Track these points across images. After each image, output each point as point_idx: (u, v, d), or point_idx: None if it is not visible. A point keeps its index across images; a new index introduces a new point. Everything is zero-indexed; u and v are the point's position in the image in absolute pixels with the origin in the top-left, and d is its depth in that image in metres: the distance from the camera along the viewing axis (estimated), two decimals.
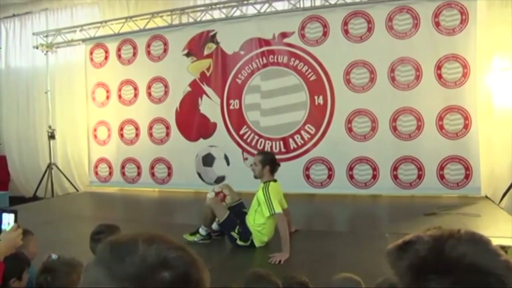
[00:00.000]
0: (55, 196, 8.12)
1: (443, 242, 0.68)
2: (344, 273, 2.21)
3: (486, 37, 6.06)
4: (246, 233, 4.12)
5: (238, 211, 4.35)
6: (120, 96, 7.84)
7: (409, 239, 0.72)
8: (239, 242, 4.13)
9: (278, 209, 3.93)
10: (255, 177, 4.22)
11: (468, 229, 0.72)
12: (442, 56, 6.10)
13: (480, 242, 0.69)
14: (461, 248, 0.67)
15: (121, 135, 7.87)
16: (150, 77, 7.59)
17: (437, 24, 6.13)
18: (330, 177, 6.70)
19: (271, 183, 4.10)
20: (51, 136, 8.27)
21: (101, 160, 8.05)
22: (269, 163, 4.14)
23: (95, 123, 8.05)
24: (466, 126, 6.05)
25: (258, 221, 4.11)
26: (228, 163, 7.15)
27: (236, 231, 4.12)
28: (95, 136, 8.07)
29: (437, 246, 0.68)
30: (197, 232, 4.34)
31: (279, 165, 4.27)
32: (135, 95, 7.74)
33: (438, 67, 6.12)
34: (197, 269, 0.71)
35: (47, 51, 8.44)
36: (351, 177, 6.58)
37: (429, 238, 0.70)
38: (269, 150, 6.89)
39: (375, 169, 6.47)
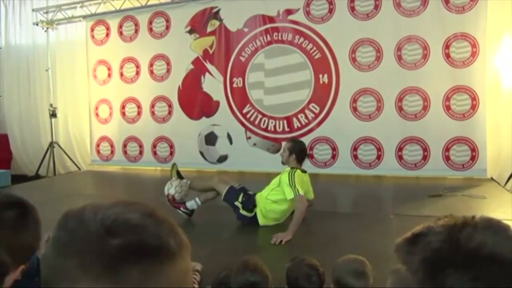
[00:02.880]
0: (57, 175, 8.12)
1: (458, 232, 0.64)
2: (349, 255, 2.18)
3: (496, 16, 5.92)
4: (249, 203, 4.14)
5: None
6: (121, 74, 7.77)
7: (419, 231, 0.68)
8: (242, 212, 4.13)
9: (301, 192, 3.91)
10: (282, 162, 4.23)
11: (483, 215, 0.67)
12: (451, 35, 5.98)
13: (498, 229, 0.64)
14: (478, 237, 0.62)
15: (123, 114, 7.84)
16: (152, 55, 7.52)
17: (446, 2, 5.98)
18: (334, 157, 6.69)
19: (298, 170, 4.09)
20: (53, 115, 8.22)
21: (103, 138, 8.03)
22: (296, 152, 4.16)
23: (96, 101, 8.00)
24: (474, 107, 5.97)
25: (271, 197, 4.09)
26: (231, 142, 7.15)
27: (240, 199, 4.14)
28: (97, 115, 8.04)
29: (452, 236, 0.64)
30: (185, 207, 4.37)
31: (307, 156, 4.31)
32: (137, 73, 7.67)
33: (446, 46, 6.01)
34: (158, 233, 0.61)
35: (47, 28, 8.31)
36: (355, 157, 6.56)
37: (441, 228, 0.66)
38: (272, 129, 6.87)
39: (379, 149, 6.44)
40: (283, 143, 4.47)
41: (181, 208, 4.38)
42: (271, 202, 4.10)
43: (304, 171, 4.19)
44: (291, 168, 4.10)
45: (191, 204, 4.38)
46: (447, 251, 0.63)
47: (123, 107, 7.83)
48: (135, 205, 0.64)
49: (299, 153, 4.17)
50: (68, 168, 8.44)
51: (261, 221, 4.13)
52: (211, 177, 4.44)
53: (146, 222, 0.61)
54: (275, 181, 4.15)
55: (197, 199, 4.39)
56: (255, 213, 4.14)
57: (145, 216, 0.62)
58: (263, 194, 4.16)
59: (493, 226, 0.65)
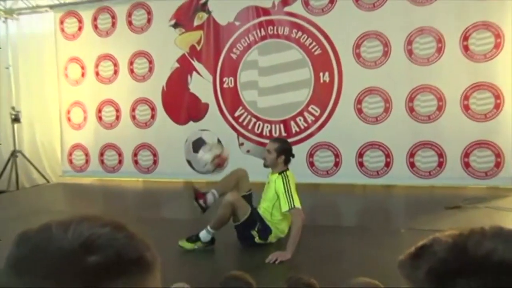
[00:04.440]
0: (21, 189, 7.96)
1: (465, 240, 0.66)
2: (362, 278, 2.16)
3: None
4: (266, 230, 4.06)
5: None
6: (97, 73, 7.74)
7: (423, 243, 0.70)
8: (257, 241, 4.05)
9: (297, 204, 3.88)
10: (266, 166, 4.18)
11: (493, 224, 0.68)
12: (470, 25, 5.98)
13: (509, 237, 0.66)
14: (487, 244, 0.64)
15: (99, 118, 7.80)
16: (132, 52, 7.50)
17: None
18: (337, 164, 6.67)
19: (288, 172, 4.08)
20: (15, 119, 8.04)
21: (76, 146, 7.97)
22: (285, 153, 4.12)
23: (68, 104, 7.95)
24: (498, 106, 5.96)
25: (276, 217, 4.06)
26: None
27: (256, 229, 4.04)
28: (69, 119, 7.98)
29: (458, 245, 0.66)
30: (197, 238, 4.07)
31: (293, 156, 4.24)
32: (115, 72, 7.64)
33: (465, 37, 6.01)
34: (134, 246, 0.65)
35: (6, 18, 8.17)
36: (361, 164, 6.55)
37: (447, 237, 0.68)
38: (267, 134, 6.87)
39: (388, 155, 6.43)
40: (268, 143, 4.37)
41: (200, 201, 4.26)
42: (278, 222, 4.08)
43: (288, 169, 4.17)
44: (280, 173, 4.05)
45: (210, 199, 4.27)
46: (454, 260, 0.65)
47: (99, 110, 7.79)
48: (103, 219, 0.67)
49: (288, 153, 4.15)
50: (34, 181, 8.27)
51: (273, 241, 4.13)
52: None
53: (119, 235, 0.65)
54: (270, 194, 4.09)
55: (214, 191, 4.30)
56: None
57: (116, 230, 0.66)
58: (266, 216, 4.09)
59: (504, 234, 0.67)
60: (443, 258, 0.66)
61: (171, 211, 6.04)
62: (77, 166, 8.00)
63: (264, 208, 4.15)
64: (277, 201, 4.01)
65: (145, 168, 7.60)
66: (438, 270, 0.66)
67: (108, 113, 7.75)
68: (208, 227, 4.02)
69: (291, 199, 3.88)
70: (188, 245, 4.05)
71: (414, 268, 0.68)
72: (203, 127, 7.15)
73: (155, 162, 7.54)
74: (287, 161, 4.13)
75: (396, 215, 5.45)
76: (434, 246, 0.68)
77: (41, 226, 0.66)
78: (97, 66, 7.74)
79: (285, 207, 3.88)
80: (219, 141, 7.05)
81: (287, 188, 3.92)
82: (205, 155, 4.28)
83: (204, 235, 4.03)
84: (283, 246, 3.84)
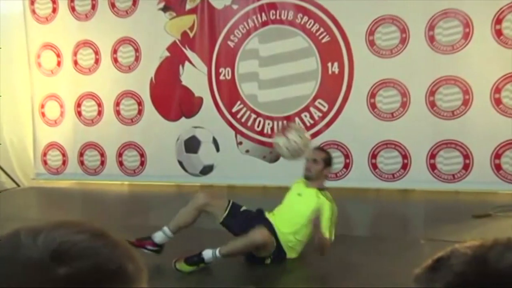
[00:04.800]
0: None
1: (485, 252, 0.67)
2: None
3: None
4: (279, 255, 3.99)
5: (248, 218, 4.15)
6: (76, 62, 7.69)
7: (440, 256, 0.71)
8: (268, 263, 4.01)
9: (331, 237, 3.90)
10: (307, 177, 4.13)
11: None
12: (504, 6, 5.95)
13: None
14: (509, 256, 0.65)
15: (79, 113, 7.76)
16: (116, 38, 7.46)
17: None
18: (347, 166, 6.68)
19: (327, 193, 4.11)
20: None
21: (52, 145, 7.92)
22: (330, 165, 4.22)
23: (42, 97, 7.89)
24: None
25: (300, 237, 4.01)
26: (217, 149, 7.11)
27: (271, 256, 3.97)
28: (43, 115, 7.92)
29: (478, 257, 0.66)
30: (199, 260, 3.88)
31: None
32: (96, 61, 7.60)
33: (497, 20, 5.98)
34: (115, 256, 0.65)
35: None
36: (374, 166, 6.55)
37: (466, 249, 0.69)
38: (269, 131, 6.86)
39: (405, 156, 6.43)
40: (312, 151, 4.29)
41: (148, 247, 4.09)
42: (299, 242, 4.05)
43: (326, 188, 4.22)
44: (320, 190, 4.06)
45: (159, 238, 4.11)
46: (473, 274, 0.65)
47: (78, 105, 7.74)
48: (81, 225, 0.67)
49: (331, 166, 4.26)
50: (2, 185, 8.20)
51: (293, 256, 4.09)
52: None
53: (97, 244, 0.65)
54: (301, 211, 3.98)
55: (165, 228, 4.14)
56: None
57: (95, 238, 0.66)
58: (286, 233, 4.01)
59: None
60: (461, 272, 0.66)
61: (160, 218, 5.96)
62: (53, 168, 7.94)
63: (284, 233, 4.03)
64: (307, 222, 3.92)
65: (131, 170, 7.58)
66: (456, 285, 0.66)
67: (89, 108, 7.71)
68: (217, 253, 3.83)
69: (331, 230, 3.87)
70: (188, 268, 3.87)
71: (431, 283, 0.69)
72: (197, 124, 7.20)
73: (142, 163, 7.52)
74: (327, 176, 4.21)
75: (415, 224, 5.51)
76: (452, 259, 0.68)
77: (8, 234, 0.66)
78: (75, 54, 7.68)
79: (325, 233, 3.83)
80: (214, 140, 7.10)
81: (332, 219, 3.93)
82: (293, 137, 4.06)
83: (209, 257, 3.86)
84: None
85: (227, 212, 4.13)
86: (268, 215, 4.14)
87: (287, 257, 4.03)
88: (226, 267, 4.02)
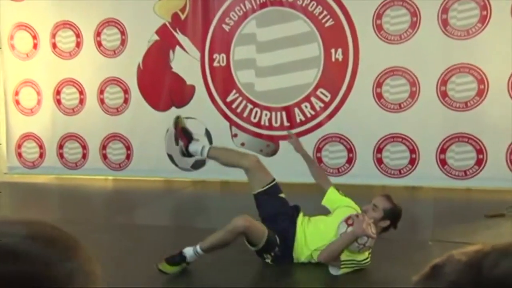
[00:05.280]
0: None
1: (481, 259, 0.67)
2: None
3: None
4: (285, 258, 4.00)
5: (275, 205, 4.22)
6: (54, 45, 7.64)
7: (436, 262, 0.71)
8: (269, 262, 4.03)
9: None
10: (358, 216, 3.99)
11: None
12: None
13: None
14: (505, 264, 0.65)
15: (58, 102, 7.72)
16: (100, 19, 7.42)
17: None
18: (350, 161, 6.71)
19: None
20: None
21: (27, 136, 7.88)
22: (392, 220, 4.02)
23: (16, 83, 7.82)
24: None
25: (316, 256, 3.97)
26: (210, 141, 7.05)
27: (272, 253, 3.98)
28: (17, 102, 7.86)
29: (472, 265, 0.67)
30: (181, 259, 3.90)
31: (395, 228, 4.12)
32: (78, 45, 7.56)
33: None
34: (48, 259, 0.64)
35: None
36: (379, 161, 6.59)
37: (461, 256, 0.69)
38: (266, 123, 6.88)
39: (413, 151, 6.46)
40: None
41: (180, 143, 4.44)
42: (312, 258, 4.03)
43: None
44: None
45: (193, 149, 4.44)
46: (467, 282, 0.65)
47: (57, 92, 7.70)
48: (19, 223, 0.67)
49: (395, 221, 4.04)
50: None
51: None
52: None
53: (29, 246, 0.64)
54: (332, 223, 4.00)
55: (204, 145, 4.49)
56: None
57: (29, 238, 0.64)
58: (307, 244, 4.02)
59: None
60: (455, 280, 0.66)
61: (147, 216, 6.04)
62: (29, 161, 7.91)
63: (304, 246, 4.04)
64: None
65: (116, 163, 7.58)
66: None
67: (69, 96, 7.67)
68: (198, 248, 3.86)
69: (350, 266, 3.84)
70: (171, 269, 3.88)
71: None
72: (189, 114, 7.13)
73: (128, 157, 7.53)
74: (384, 230, 4.04)
75: (423, 223, 5.47)
76: (446, 266, 0.68)
77: None
78: (54, 36, 7.62)
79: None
80: (207, 131, 7.09)
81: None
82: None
83: (190, 255, 3.88)
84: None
85: (265, 188, 4.22)
86: (300, 219, 4.14)
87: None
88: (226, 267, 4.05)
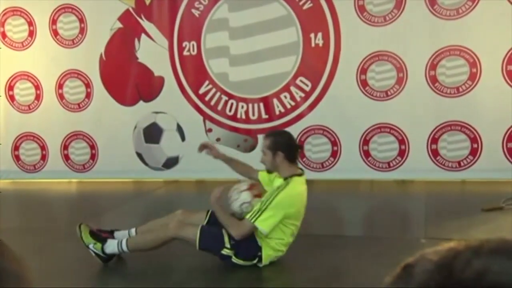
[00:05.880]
0: None
1: (452, 258, 0.65)
2: None
3: None
4: (247, 248, 4.05)
5: None
6: (4, 35, 7.60)
7: (407, 262, 0.69)
8: (236, 261, 4.06)
9: (261, 225, 3.91)
10: (270, 171, 4.19)
11: (503, 237, 0.69)
12: None
13: (511, 253, 0.66)
14: (477, 264, 0.64)
15: (11, 98, 7.69)
16: (55, 6, 7.38)
17: None
18: (335, 154, 6.75)
19: (295, 180, 4.04)
20: None
21: None
22: (282, 148, 4.09)
23: None
24: None
25: (275, 235, 4.04)
26: (183, 138, 7.14)
27: (229, 246, 4.03)
28: None
29: (442, 265, 0.65)
30: (103, 239, 4.22)
31: (300, 148, 4.26)
32: (31, 34, 7.52)
33: None
34: None
35: None
36: (366, 154, 6.64)
37: (433, 255, 0.67)
38: (243, 116, 6.91)
39: (403, 141, 6.51)
40: (260, 138, 4.41)
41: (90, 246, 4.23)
42: (280, 240, 4.09)
43: (300, 174, 4.17)
44: (285, 179, 4.03)
45: (109, 247, 4.23)
46: (436, 285, 0.64)
47: (10, 87, 7.67)
48: None
49: (286, 147, 4.13)
50: None
51: (266, 262, 4.11)
52: (164, 224, 4.25)
53: None
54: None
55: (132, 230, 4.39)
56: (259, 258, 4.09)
57: None
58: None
59: (506, 249, 0.66)
60: (423, 282, 0.65)
61: (116, 221, 5.96)
62: None
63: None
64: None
65: (80, 165, 7.56)
66: None
67: (24, 91, 7.64)
68: (124, 245, 4.15)
69: (258, 213, 3.90)
70: (87, 239, 4.21)
71: None
72: (158, 109, 7.18)
73: (93, 157, 7.52)
74: (290, 159, 4.12)
75: (415, 220, 5.49)
76: (417, 266, 0.67)
77: None
78: (2, 24, 7.58)
79: (246, 215, 3.96)
80: (179, 127, 7.08)
81: (269, 201, 3.93)
82: (240, 196, 4.18)
83: (112, 246, 4.17)
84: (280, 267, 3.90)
85: (207, 219, 4.27)
86: None
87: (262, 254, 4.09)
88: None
